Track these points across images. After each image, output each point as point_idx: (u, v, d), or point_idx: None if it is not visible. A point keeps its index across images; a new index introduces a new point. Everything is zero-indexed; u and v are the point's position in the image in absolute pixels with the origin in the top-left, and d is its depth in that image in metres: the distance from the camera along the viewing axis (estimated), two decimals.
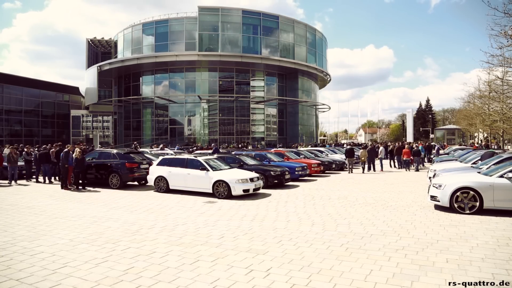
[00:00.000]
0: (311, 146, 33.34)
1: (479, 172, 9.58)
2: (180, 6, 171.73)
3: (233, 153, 18.81)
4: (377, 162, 21.90)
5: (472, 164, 13.65)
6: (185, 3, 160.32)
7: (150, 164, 14.12)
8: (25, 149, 17.33)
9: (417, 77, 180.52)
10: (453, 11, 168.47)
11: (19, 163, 15.79)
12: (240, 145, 36.79)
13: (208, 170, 11.64)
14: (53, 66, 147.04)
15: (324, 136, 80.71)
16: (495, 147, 31.45)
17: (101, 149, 24.35)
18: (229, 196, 10.99)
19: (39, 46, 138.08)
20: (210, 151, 20.23)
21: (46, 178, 15.66)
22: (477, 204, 8.21)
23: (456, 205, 8.38)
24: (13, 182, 15.13)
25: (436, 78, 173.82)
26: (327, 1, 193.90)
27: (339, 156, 22.93)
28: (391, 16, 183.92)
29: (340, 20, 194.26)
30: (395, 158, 23.21)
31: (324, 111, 59.49)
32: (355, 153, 20.86)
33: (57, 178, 16.22)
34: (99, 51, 52.97)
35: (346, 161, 20.18)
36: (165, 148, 26.13)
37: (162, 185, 12.39)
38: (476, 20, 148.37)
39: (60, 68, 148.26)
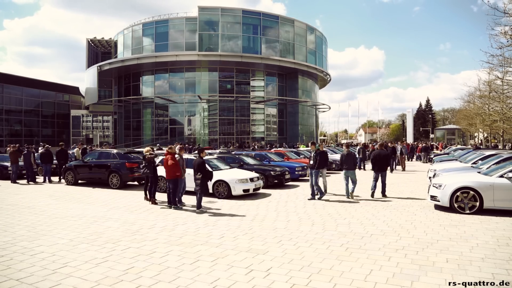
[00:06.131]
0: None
1: (479, 172, 9.59)
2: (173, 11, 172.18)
3: (233, 153, 18.80)
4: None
5: (472, 164, 13.64)
6: (177, 9, 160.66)
7: None
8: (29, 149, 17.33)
9: (409, 78, 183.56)
10: (438, 11, 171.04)
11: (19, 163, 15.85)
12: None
13: None
14: (49, 68, 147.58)
15: (324, 136, 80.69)
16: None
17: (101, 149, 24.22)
18: (229, 196, 10.99)
19: (33, 49, 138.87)
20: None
21: (46, 178, 15.67)
22: (477, 204, 8.21)
23: (456, 205, 8.38)
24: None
25: (425, 80, 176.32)
26: (318, 9, 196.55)
27: (339, 156, 22.92)
28: (381, 19, 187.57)
29: (332, 24, 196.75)
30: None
31: (324, 111, 59.48)
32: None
33: (58, 178, 16.24)
34: (99, 51, 52.98)
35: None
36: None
37: (162, 185, 12.38)
38: (460, 21, 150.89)
39: (54, 70, 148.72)
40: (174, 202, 9.58)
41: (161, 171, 11.30)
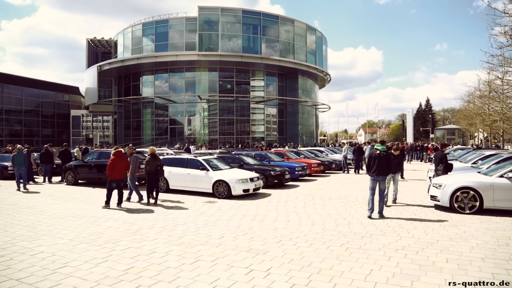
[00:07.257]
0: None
1: (479, 172, 9.59)
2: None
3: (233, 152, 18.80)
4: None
5: (472, 164, 13.65)
6: (176, 11, 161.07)
7: None
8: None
9: (408, 78, 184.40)
10: (435, 11, 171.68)
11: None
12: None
13: (208, 170, 11.64)
14: (49, 68, 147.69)
15: (324, 136, 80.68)
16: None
17: (103, 148, 24.21)
18: (229, 196, 10.99)
19: (32, 50, 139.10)
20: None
21: (46, 178, 15.66)
22: (477, 204, 8.21)
23: (456, 205, 8.38)
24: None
25: (423, 80, 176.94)
26: (316, 10, 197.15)
27: (339, 156, 22.85)
28: (379, 19, 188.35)
29: (330, 25, 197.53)
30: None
31: (324, 111, 59.47)
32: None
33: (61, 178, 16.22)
34: (99, 51, 52.98)
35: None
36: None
37: (162, 185, 12.38)
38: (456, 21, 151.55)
39: (54, 70, 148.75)
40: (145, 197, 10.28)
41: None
